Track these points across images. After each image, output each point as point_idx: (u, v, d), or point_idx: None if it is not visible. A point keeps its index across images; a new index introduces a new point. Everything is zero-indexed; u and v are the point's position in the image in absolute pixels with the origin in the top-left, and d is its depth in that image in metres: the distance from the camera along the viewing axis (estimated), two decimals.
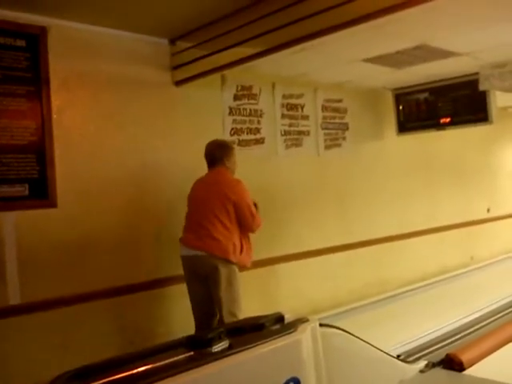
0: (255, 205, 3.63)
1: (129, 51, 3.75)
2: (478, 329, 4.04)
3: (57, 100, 3.39)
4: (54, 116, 3.37)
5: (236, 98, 4.43)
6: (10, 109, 3.21)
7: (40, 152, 3.30)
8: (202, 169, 3.65)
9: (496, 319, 4.25)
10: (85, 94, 3.55)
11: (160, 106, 3.91)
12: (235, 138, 4.34)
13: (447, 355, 3.33)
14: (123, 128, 3.71)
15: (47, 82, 3.34)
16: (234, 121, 4.40)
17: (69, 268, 3.40)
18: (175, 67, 3.96)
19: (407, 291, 5.44)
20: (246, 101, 4.51)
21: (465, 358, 3.27)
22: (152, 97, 3.88)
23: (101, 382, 1.75)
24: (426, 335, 3.88)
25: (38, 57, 3.30)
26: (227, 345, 2.14)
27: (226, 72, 4.11)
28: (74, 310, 3.39)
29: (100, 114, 3.61)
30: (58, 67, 3.38)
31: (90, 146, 3.54)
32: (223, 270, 3.39)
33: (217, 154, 3.62)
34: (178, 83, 3.99)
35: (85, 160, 3.52)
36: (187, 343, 2.17)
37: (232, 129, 4.38)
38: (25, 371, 3.01)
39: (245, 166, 3.79)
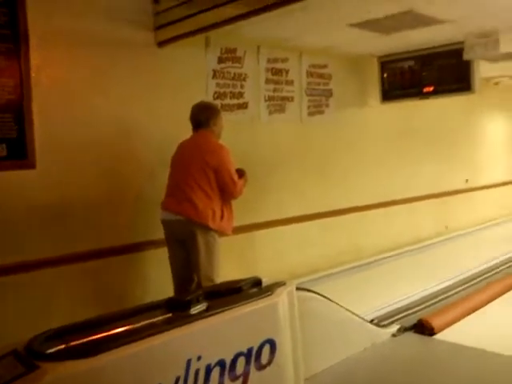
0: (241, 172, 3.61)
1: (110, 9, 3.64)
2: (449, 296, 4.18)
3: (36, 58, 3.29)
4: (33, 74, 3.28)
5: (220, 60, 4.36)
6: None
7: (18, 111, 3.23)
8: (185, 132, 3.60)
9: (466, 287, 4.40)
10: (65, 53, 3.45)
11: (142, 66, 3.83)
12: (218, 101, 4.28)
13: (419, 320, 3.45)
14: (104, 89, 3.64)
15: (26, 39, 3.23)
16: (218, 84, 4.34)
17: (47, 230, 3.38)
18: (158, 27, 3.86)
19: (382, 259, 5.58)
20: (230, 64, 4.44)
21: (436, 323, 3.39)
22: (134, 57, 3.79)
23: (80, 341, 1.78)
24: (399, 301, 4.01)
25: (16, 13, 3.19)
26: (205, 307, 2.19)
27: (211, 34, 4.03)
28: (52, 273, 3.38)
29: (80, 73, 3.53)
30: (37, 24, 3.27)
31: (69, 106, 3.47)
32: (201, 236, 3.38)
33: (202, 116, 3.55)
34: (161, 44, 3.90)
35: (64, 121, 3.45)
36: (166, 305, 2.22)
37: (215, 92, 4.33)
38: (1, 332, 3.01)
39: (227, 130, 3.74)
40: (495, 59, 5.51)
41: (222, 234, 3.50)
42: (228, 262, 3.77)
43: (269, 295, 2.43)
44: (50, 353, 1.67)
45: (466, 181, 7.52)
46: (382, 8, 3.93)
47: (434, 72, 5.35)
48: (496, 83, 7.69)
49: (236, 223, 3.67)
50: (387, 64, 5.68)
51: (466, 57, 4.86)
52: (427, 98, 5.53)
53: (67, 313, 3.12)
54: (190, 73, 4.13)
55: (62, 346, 1.72)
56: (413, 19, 4.23)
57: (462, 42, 4.84)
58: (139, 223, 3.83)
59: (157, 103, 3.90)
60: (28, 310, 3.23)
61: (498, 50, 4.59)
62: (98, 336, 1.83)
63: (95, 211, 3.60)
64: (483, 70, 5.35)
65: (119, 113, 3.72)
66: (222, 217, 3.46)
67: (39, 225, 3.35)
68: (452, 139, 7.16)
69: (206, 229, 3.38)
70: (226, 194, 3.49)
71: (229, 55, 4.43)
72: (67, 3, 3.43)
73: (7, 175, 3.21)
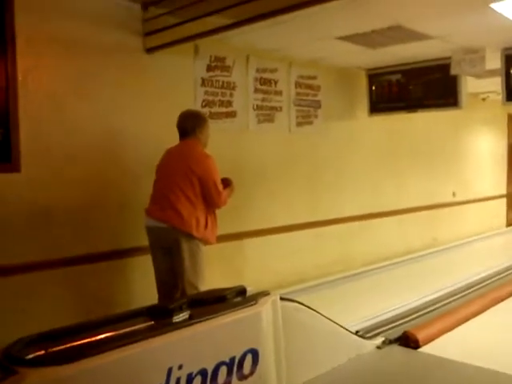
0: (227, 181, 3.59)
1: (100, 14, 3.63)
2: (435, 309, 4.17)
3: (23, 60, 3.26)
4: (20, 78, 3.25)
5: (209, 68, 4.36)
6: None
7: (4, 114, 3.19)
8: (171, 139, 3.58)
9: (452, 301, 4.39)
10: (52, 56, 3.43)
11: (130, 72, 3.82)
12: (207, 109, 4.28)
13: (404, 333, 3.43)
14: (91, 93, 3.62)
15: (13, 41, 3.21)
16: (206, 92, 4.34)
17: (31, 234, 3.34)
18: (147, 34, 3.86)
19: (370, 270, 5.58)
20: (219, 72, 4.44)
21: (421, 336, 3.38)
22: (122, 63, 3.78)
23: (60, 347, 1.74)
24: (385, 313, 4.00)
25: (3, 14, 3.16)
26: (188, 315, 2.16)
27: (200, 42, 4.04)
28: (36, 277, 3.34)
29: (68, 77, 3.50)
30: (25, 26, 3.24)
31: (56, 110, 3.44)
32: (185, 244, 3.35)
33: (189, 125, 3.53)
34: (150, 50, 3.89)
35: (50, 125, 3.42)
36: (148, 313, 2.19)
37: (204, 100, 4.32)
38: None
39: (215, 139, 3.73)
40: (481, 75, 5.58)
41: (205, 243, 3.47)
42: (215, 270, 3.75)
43: (252, 305, 2.41)
44: (29, 358, 1.63)
45: (453, 194, 7.58)
46: (371, 22, 3.97)
47: (421, 86, 5.40)
48: (483, 99, 7.79)
49: (224, 231, 3.66)
50: (375, 77, 5.73)
51: (453, 72, 4.92)
52: (415, 111, 5.58)
53: (49, 318, 3.07)
54: (178, 80, 4.12)
55: (42, 352, 1.68)
56: (400, 34, 4.28)
57: (449, 58, 4.90)
58: (124, 229, 3.79)
59: (144, 109, 3.89)
60: (8, 315, 3.17)
61: (483, 66, 4.65)
62: (79, 342, 1.79)
63: (80, 216, 3.56)
64: (471, 85, 5.41)
65: (106, 118, 3.70)
66: (206, 226, 3.43)
67: (23, 229, 3.31)
68: (439, 153, 7.23)
69: (190, 237, 3.36)
70: (210, 203, 3.46)
71: (218, 63, 4.43)
72: (55, 7, 3.41)
73: None
